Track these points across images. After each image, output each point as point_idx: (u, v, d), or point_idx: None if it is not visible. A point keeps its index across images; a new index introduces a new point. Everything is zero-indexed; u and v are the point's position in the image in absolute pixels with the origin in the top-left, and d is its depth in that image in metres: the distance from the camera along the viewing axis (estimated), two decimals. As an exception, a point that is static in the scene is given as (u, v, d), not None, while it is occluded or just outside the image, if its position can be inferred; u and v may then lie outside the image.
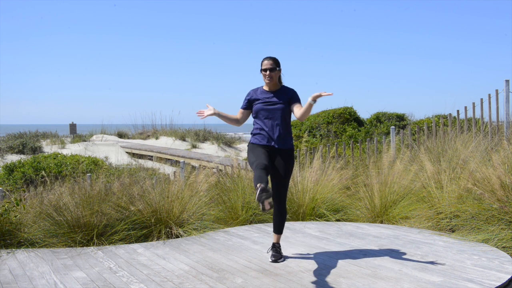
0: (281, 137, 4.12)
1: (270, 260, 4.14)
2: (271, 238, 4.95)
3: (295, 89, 4.23)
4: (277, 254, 4.17)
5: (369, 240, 4.76)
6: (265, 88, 4.20)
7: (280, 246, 4.24)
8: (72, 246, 4.88)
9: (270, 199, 3.54)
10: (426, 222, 5.20)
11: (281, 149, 4.11)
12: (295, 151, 9.14)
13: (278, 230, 4.20)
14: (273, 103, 4.11)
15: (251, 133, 4.23)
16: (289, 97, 4.14)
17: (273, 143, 4.10)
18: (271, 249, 4.23)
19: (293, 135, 14.77)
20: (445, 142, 6.78)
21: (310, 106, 3.84)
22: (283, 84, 4.25)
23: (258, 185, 3.59)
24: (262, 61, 4.14)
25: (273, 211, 4.18)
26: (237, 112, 4.27)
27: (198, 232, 5.25)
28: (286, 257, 4.23)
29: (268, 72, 4.08)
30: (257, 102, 4.17)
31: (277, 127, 4.11)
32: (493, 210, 4.60)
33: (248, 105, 4.22)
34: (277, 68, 4.12)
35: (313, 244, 4.67)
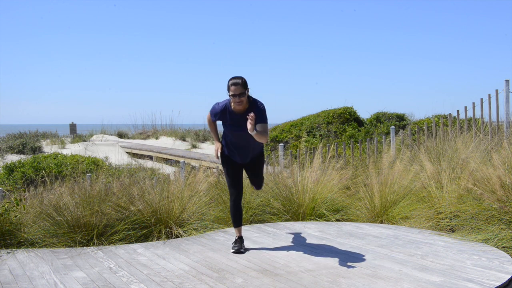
0: (251, 153, 4.36)
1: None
2: (271, 238, 4.95)
3: (263, 105, 4.18)
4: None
5: (369, 240, 4.76)
6: (233, 109, 4.15)
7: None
8: (72, 246, 4.88)
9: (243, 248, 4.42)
10: (426, 222, 5.20)
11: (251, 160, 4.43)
12: (295, 151, 9.14)
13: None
14: (242, 126, 4.11)
15: (223, 137, 4.39)
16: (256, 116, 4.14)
17: (243, 160, 4.39)
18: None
19: (293, 135, 14.78)
20: (445, 142, 6.78)
21: (254, 136, 4.04)
22: (251, 98, 4.18)
23: (236, 236, 4.49)
24: (229, 85, 4.02)
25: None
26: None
27: (198, 232, 5.25)
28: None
29: (238, 98, 4.00)
30: (225, 122, 4.24)
31: (246, 148, 4.31)
32: (493, 210, 4.60)
33: (217, 119, 4.34)
34: (246, 91, 4.04)
35: (313, 244, 4.67)
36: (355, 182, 6.61)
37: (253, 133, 3.93)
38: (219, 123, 4.45)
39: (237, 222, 4.48)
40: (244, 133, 4.13)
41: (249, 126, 3.87)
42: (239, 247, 4.43)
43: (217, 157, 4.43)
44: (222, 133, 4.52)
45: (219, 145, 4.41)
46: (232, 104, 4.15)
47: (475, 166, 5.20)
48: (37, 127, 26.14)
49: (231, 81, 4.02)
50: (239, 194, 4.42)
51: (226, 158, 4.40)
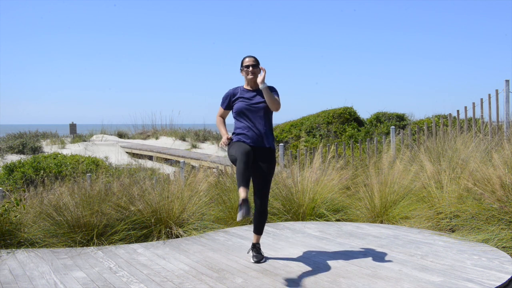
0: (265, 136, 4.11)
1: (252, 261, 4.13)
2: (271, 238, 4.95)
3: (274, 86, 4.24)
4: (259, 255, 4.15)
5: (369, 240, 4.76)
6: (246, 87, 4.19)
7: (260, 246, 4.22)
8: (72, 246, 4.88)
9: (249, 214, 3.58)
10: (426, 222, 5.20)
11: (264, 147, 4.09)
12: (295, 151, 9.14)
13: (259, 230, 4.16)
14: (256, 102, 4.11)
15: (234, 133, 4.19)
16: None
17: (256, 143, 4.07)
18: (252, 250, 4.20)
19: (293, 135, 14.78)
20: (445, 142, 6.78)
21: (265, 91, 4.01)
22: None
23: (240, 197, 3.63)
24: (243, 59, 4.19)
25: (254, 210, 4.14)
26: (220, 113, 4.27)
27: (198, 232, 5.25)
28: (267, 258, 4.22)
29: (251, 68, 4.11)
30: (238, 100, 4.15)
31: (260, 126, 4.11)
32: (493, 210, 4.60)
33: (228, 104, 4.20)
34: (259, 66, 4.17)
35: (313, 244, 4.67)
36: (355, 182, 6.61)
37: (262, 86, 4.01)
38: (226, 122, 4.38)
39: (244, 183, 3.80)
40: (257, 111, 4.08)
41: (259, 79, 4.07)
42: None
43: (225, 143, 4.05)
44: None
45: (227, 135, 4.10)
46: (245, 82, 4.20)
47: (475, 166, 5.20)
48: (37, 127, 26.15)
49: (245, 56, 4.20)
50: (247, 165, 3.85)
51: (237, 142, 4.08)
